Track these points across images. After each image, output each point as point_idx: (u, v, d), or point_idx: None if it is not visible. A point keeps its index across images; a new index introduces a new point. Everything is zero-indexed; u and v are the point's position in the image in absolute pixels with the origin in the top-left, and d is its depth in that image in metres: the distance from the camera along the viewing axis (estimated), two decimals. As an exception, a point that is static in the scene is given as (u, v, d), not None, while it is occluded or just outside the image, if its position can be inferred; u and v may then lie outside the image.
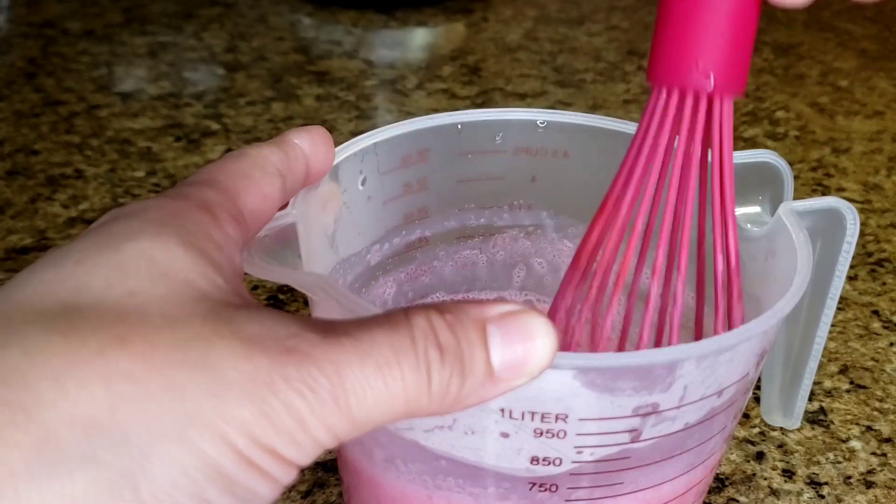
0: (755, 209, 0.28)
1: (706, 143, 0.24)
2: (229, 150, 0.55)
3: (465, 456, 0.23)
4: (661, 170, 0.24)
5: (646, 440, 0.22)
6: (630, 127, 0.29)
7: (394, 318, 0.18)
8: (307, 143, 0.24)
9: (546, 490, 0.23)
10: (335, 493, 0.32)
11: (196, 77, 0.66)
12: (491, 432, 0.22)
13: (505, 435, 0.22)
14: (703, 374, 0.22)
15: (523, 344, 0.18)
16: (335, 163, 0.26)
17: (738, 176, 0.27)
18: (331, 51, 0.71)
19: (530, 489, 0.23)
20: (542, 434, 0.21)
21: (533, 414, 0.21)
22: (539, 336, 0.19)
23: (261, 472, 0.17)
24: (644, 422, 0.22)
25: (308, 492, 0.32)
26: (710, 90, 0.23)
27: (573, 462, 0.22)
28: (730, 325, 0.25)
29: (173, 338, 0.17)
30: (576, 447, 0.22)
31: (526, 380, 0.19)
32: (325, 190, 0.26)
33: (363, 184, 0.28)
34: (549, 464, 0.22)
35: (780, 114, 0.64)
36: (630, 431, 0.22)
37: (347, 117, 0.60)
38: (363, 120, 0.60)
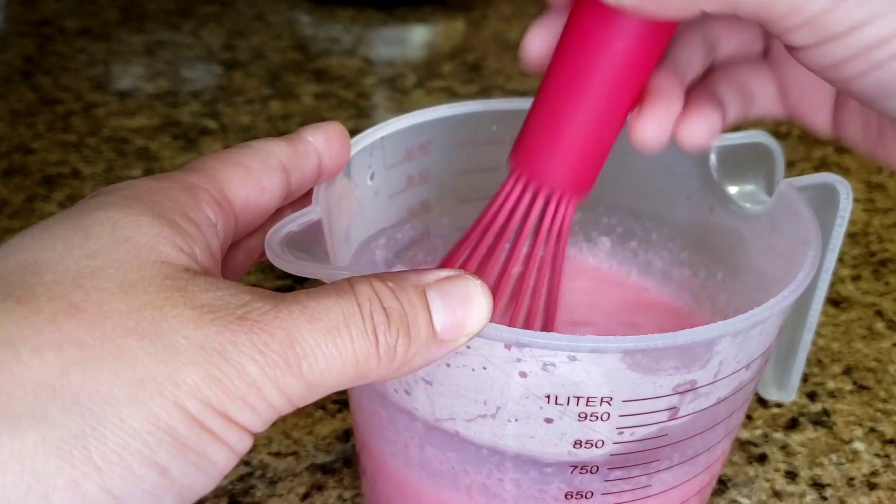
0: (751, 188, 0.29)
1: (544, 232, 0.26)
2: (227, 148, 0.55)
3: (507, 444, 0.23)
4: (502, 243, 0.26)
5: (682, 417, 0.23)
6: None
7: (339, 286, 0.19)
8: (321, 139, 0.24)
9: (587, 472, 0.23)
10: (333, 496, 0.32)
11: (193, 75, 0.65)
12: (535, 419, 0.22)
13: (549, 421, 0.22)
14: (737, 348, 0.22)
15: (462, 305, 0.20)
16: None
17: (733, 156, 0.29)
18: (329, 49, 0.71)
19: (571, 472, 0.23)
20: (585, 417, 0.22)
21: (578, 398, 0.22)
22: (475, 297, 0.20)
23: (214, 437, 0.17)
24: (682, 399, 0.22)
25: (306, 494, 0.32)
26: (554, 190, 0.25)
27: (615, 443, 0.23)
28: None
29: (126, 306, 0.17)
30: (618, 428, 0.22)
31: (466, 339, 0.20)
32: (340, 187, 0.26)
33: (371, 178, 0.29)
34: (592, 446, 0.23)
35: (781, 112, 0.64)
36: (669, 409, 0.23)
37: (346, 116, 0.60)
38: (362, 118, 0.59)
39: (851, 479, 0.34)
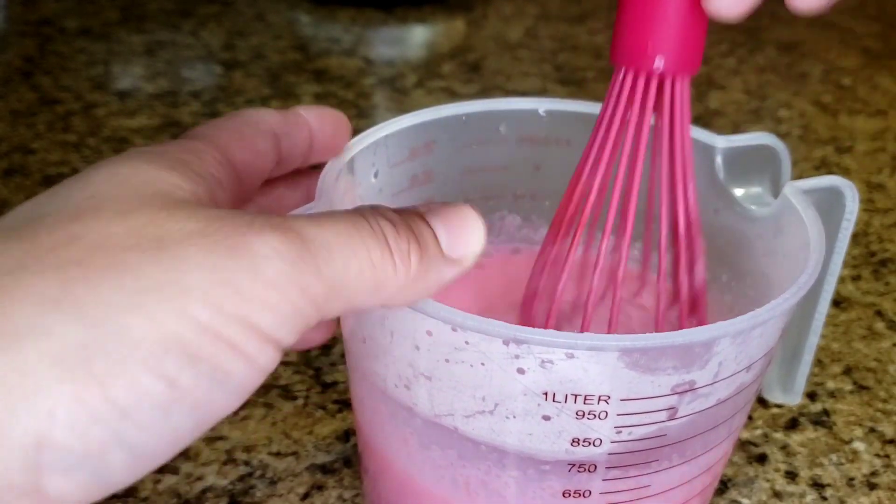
0: (757, 190, 0.29)
1: (664, 118, 0.26)
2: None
3: (505, 440, 0.23)
4: (619, 143, 0.26)
5: (681, 417, 0.23)
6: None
7: (345, 210, 0.19)
8: (313, 115, 0.25)
9: (585, 471, 0.23)
10: (333, 496, 0.32)
11: (193, 75, 0.65)
12: (533, 416, 0.22)
13: (546, 418, 0.22)
14: (737, 349, 0.22)
15: (461, 226, 0.20)
16: (351, 156, 0.27)
17: (739, 158, 0.29)
18: (329, 49, 0.71)
19: (569, 470, 0.23)
20: (583, 416, 0.22)
21: (576, 396, 0.22)
22: (471, 219, 0.21)
23: (230, 345, 0.17)
24: (681, 399, 0.22)
25: (306, 494, 0.32)
26: (661, 71, 0.25)
27: (612, 442, 0.23)
28: (694, 292, 0.27)
29: (125, 228, 0.17)
30: (615, 427, 0.22)
31: (470, 261, 0.21)
32: (343, 184, 0.27)
33: (375, 176, 0.29)
34: (590, 445, 0.23)
35: (782, 112, 0.64)
36: (667, 409, 0.23)
37: (346, 116, 0.60)
38: (362, 118, 0.59)
39: (851, 479, 0.34)
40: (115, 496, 0.31)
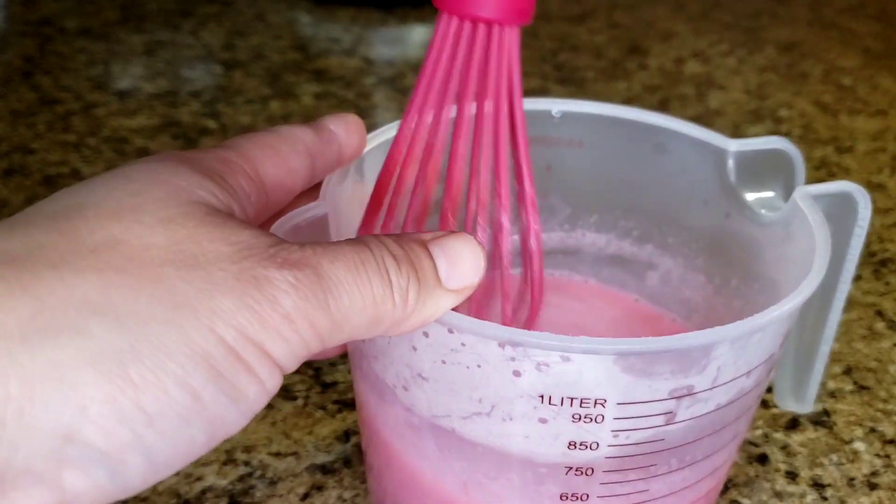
0: (769, 194, 0.29)
1: (491, 71, 0.25)
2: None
3: (502, 443, 0.23)
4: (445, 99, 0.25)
5: (680, 422, 0.23)
6: (645, 115, 0.30)
7: (351, 239, 0.20)
8: (342, 129, 0.26)
9: (582, 474, 0.23)
10: (333, 496, 0.32)
11: (193, 75, 0.65)
12: (529, 418, 0.22)
13: (543, 421, 0.22)
14: (736, 354, 0.22)
15: (461, 257, 0.21)
16: (360, 157, 0.27)
17: (752, 162, 0.28)
18: (329, 48, 0.71)
19: (566, 473, 0.23)
20: (579, 419, 0.22)
21: (572, 399, 0.22)
22: (472, 250, 0.21)
23: (247, 368, 0.18)
24: (679, 404, 0.22)
25: (306, 494, 0.32)
26: (489, 17, 0.24)
27: (609, 446, 0.23)
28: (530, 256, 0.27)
29: (165, 239, 0.18)
30: (613, 431, 0.22)
31: (468, 291, 0.21)
32: (351, 184, 0.27)
33: None
34: (587, 448, 0.23)
35: (782, 112, 0.64)
36: (665, 414, 0.22)
37: (346, 116, 0.60)
38: (362, 118, 0.59)
39: (852, 479, 0.34)
40: (114, 496, 0.31)
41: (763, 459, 0.34)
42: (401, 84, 0.65)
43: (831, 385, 0.38)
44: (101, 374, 0.16)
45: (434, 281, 0.21)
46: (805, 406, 0.30)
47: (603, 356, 0.21)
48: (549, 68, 0.69)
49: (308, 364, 0.37)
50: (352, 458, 0.33)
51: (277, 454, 0.33)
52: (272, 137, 0.23)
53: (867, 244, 0.48)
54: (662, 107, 0.63)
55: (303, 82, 0.64)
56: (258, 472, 0.32)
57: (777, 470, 0.34)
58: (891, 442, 0.35)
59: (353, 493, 0.32)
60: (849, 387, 0.38)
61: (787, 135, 0.60)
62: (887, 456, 0.35)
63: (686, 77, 0.69)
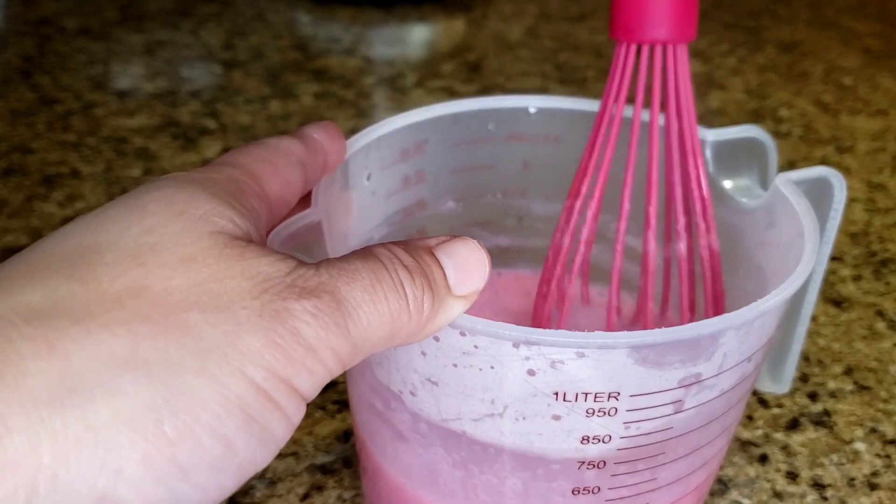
0: (746, 182, 0.29)
1: (668, 86, 0.27)
2: (227, 148, 0.54)
3: (514, 442, 0.23)
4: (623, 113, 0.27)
5: (687, 409, 0.23)
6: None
7: (361, 252, 0.20)
8: (325, 137, 0.25)
9: (594, 467, 0.23)
10: (333, 496, 0.32)
11: (193, 75, 0.65)
12: (543, 416, 0.22)
13: (556, 418, 0.22)
14: (740, 340, 0.23)
15: (468, 263, 0.21)
16: (344, 160, 0.27)
17: (728, 150, 0.29)
18: (329, 48, 0.71)
19: (578, 468, 0.23)
20: (593, 413, 0.22)
21: (586, 395, 0.22)
22: (478, 255, 0.21)
23: (277, 407, 0.18)
24: (687, 392, 0.22)
25: (306, 494, 0.32)
26: (663, 39, 0.26)
27: (621, 437, 0.23)
28: (712, 263, 0.28)
29: (187, 280, 0.18)
30: (625, 423, 0.22)
31: (475, 295, 0.21)
32: (337, 188, 0.27)
33: (368, 179, 0.28)
34: (599, 442, 0.23)
35: (783, 112, 0.64)
36: (674, 403, 0.23)
37: (346, 115, 0.59)
38: (362, 118, 0.59)
39: (852, 479, 0.33)
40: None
41: (763, 459, 0.34)
42: (401, 84, 0.65)
43: (832, 385, 0.38)
44: (137, 433, 0.16)
45: (444, 288, 0.21)
46: (782, 387, 0.30)
47: (617, 350, 0.21)
48: (550, 68, 0.69)
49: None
50: (351, 458, 0.33)
51: (277, 454, 0.33)
52: (268, 152, 0.23)
53: (867, 244, 0.48)
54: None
55: (302, 82, 0.64)
56: (258, 473, 0.32)
57: (777, 470, 0.34)
58: (891, 442, 0.35)
59: (353, 493, 0.32)
60: (849, 387, 0.38)
61: (787, 134, 0.60)
62: (888, 456, 0.35)
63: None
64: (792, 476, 0.34)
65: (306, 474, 0.32)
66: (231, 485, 0.18)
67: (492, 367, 0.22)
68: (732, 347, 0.22)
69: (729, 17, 0.81)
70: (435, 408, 0.23)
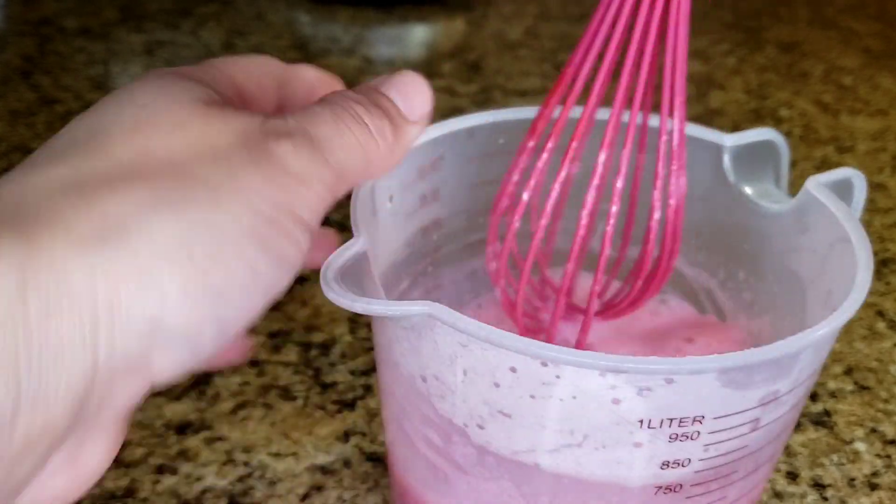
0: (764, 185, 0.29)
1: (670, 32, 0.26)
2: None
3: (591, 472, 0.22)
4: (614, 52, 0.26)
5: (762, 427, 0.23)
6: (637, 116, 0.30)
7: (318, 100, 0.23)
8: (312, 74, 0.28)
9: (671, 492, 0.23)
10: (333, 497, 0.31)
11: (193, 75, 0.65)
12: (625, 444, 0.22)
13: (638, 445, 0.22)
14: (814, 353, 0.23)
15: (412, 91, 0.24)
16: (371, 182, 0.26)
17: (746, 155, 0.29)
18: (329, 48, 0.71)
19: (656, 493, 0.23)
20: (676, 438, 0.22)
21: (671, 420, 0.21)
22: (419, 83, 0.25)
23: (285, 231, 0.20)
24: (764, 410, 0.22)
25: (306, 495, 0.32)
26: None
27: (700, 460, 0.22)
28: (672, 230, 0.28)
29: (183, 141, 0.20)
30: (705, 445, 0.22)
31: (426, 121, 0.25)
32: (368, 212, 0.26)
33: (391, 200, 0.27)
34: (679, 466, 0.22)
35: (783, 112, 0.64)
36: (752, 422, 0.22)
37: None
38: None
39: (852, 479, 0.33)
40: (115, 496, 0.31)
41: (763, 460, 0.34)
42: (401, 84, 0.65)
43: (832, 385, 0.38)
44: (174, 264, 0.19)
45: (399, 116, 0.24)
46: None
47: (706, 374, 0.20)
48: (550, 67, 0.69)
49: (308, 364, 0.37)
50: (351, 458, 0.33)
51: (277, 454, 0.33)
52: (244, 59, 0.26)
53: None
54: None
55: (303, 82, 0.64)
56: (258, 473, 0.32)
57: (777, 470, 0.34)
58: (891, 442, 0.35)
59: (353, 494, 0.32)
60: (849, 387, 0.38)
61: (787, 134, 0.60)
62: (888, 456, 0.35)
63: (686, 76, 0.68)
64: (792, 476, 0.34)
65: (306, 474, 0.32)
66: (259, 303, 0.21)
67: (574, 398, 0.21)
68: (808, 362, 0.22)
69: (729, 17, 0.81)
70: (506, 440, 0.23)
